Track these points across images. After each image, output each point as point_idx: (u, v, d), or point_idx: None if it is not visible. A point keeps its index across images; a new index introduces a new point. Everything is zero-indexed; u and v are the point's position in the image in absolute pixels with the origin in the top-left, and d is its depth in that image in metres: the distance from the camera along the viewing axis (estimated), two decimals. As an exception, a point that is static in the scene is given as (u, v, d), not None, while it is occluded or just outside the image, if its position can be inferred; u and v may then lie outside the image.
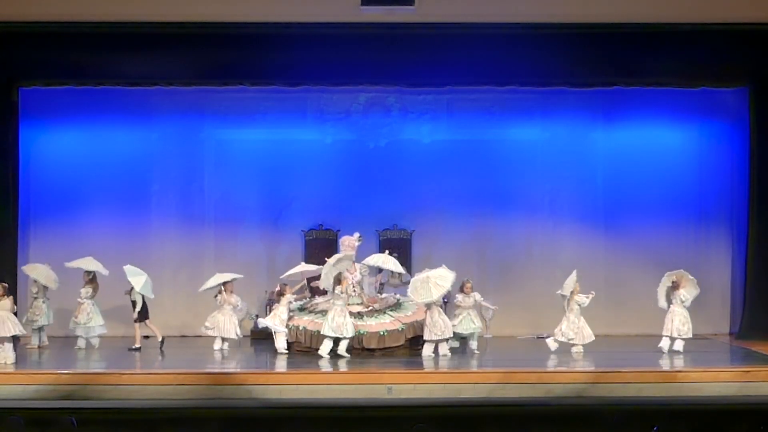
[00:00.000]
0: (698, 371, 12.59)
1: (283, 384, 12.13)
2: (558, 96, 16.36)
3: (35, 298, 14.70)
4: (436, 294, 13.68)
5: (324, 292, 14.76)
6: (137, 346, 14.50)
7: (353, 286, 14.44)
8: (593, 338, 13.98)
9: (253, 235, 16.60)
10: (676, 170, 16.68)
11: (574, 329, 13.90)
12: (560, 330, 13.97)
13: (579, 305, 13.93)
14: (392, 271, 14.76)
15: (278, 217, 16.64)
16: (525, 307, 15.52)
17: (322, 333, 13.70)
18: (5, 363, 12.84)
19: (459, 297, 14.14)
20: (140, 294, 14.41)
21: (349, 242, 14.73)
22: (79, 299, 14.63)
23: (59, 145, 16.40)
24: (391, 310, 14.38)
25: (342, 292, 13.88)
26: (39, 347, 14.59)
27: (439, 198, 16.57)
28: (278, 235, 16.61)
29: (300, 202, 16.59)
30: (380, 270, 14.81)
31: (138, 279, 14.38)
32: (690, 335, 14.15)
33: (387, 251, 14.80)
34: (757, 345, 14.59)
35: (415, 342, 14.15)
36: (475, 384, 12.14)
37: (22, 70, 15.38)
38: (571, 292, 13.94)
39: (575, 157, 16.68)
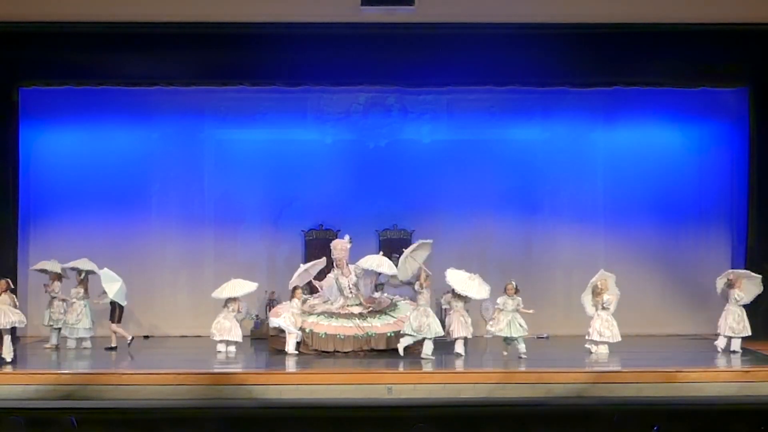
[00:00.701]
0: (698, 371, 12.59)
1: (283, 384, 12.12)
2: (558, 96, 16.36)
3: (53, 297, 14.66)
4: (474, 294, 13.66)
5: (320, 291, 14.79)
6: (129, 339, 14.51)
7: (349, 288, 14.44)
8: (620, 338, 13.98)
9: (253, 235, 16.60)
10: (676, 170, 16.69)
11: (609, 327, 13.88)
12: (597, 330, 13.87)
13: (603, 305, 13.90)
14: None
15: (278, 217, 16.64)
16: (525, 307, 15.46)
17: (402, 332, 13.60)
18: (5, 360, 12.80)
19: (500, 300, 13.94)
20: (113, 300, 14.41)
21: (342, 245, 14.66)
22: (69, 299, 14.61)
23: (59, 145, 16.40)
24: (390, 311, 14.38)
25: (423, 288, 13.67)
26: (57, 347, 14.54)
27: (439, 198, 16.57)
28: (278, 235, 16.61)
29: (300, 202, 16.60)
30: (379, 273, 14.75)
31: (112, 285, 14.34)
32: (746, 333, 14.13)
33: (381, 252, 14.76)
34: (757, 345, 14.58)
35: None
36: (475, 384, 12.14)
37: (22, 70, 15.39)
38: (596, 291, 13.90)
39: (575, 157, 16.69)
